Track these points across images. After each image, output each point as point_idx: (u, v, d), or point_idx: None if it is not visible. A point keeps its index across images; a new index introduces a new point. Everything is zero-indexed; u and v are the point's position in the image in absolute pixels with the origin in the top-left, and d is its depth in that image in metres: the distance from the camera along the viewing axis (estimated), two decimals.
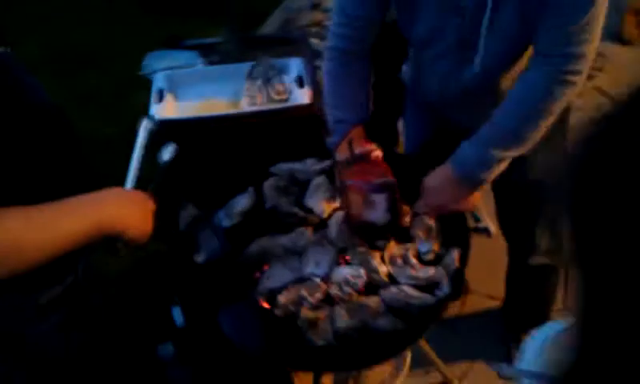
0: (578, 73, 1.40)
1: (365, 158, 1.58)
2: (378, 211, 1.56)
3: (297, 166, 1.83)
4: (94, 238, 1.13)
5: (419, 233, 1.68)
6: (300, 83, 2.19)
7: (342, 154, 1.62)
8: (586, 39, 1.35)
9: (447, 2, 1.45)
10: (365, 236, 1.62)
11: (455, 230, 1.64)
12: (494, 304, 2.32)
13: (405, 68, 1.87)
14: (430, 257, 1.62)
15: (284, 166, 1.83)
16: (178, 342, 1.62)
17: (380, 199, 1.54)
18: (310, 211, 1.74)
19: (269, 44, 2.35)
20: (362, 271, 1.58)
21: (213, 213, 1.74)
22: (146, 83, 2.22)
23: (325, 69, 1.66)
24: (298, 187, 1.80)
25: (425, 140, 1.86)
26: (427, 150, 1.81)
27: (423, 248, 1.63)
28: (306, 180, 1.81)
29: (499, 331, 2.24)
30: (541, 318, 2.16)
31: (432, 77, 1.66)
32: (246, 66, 2.24)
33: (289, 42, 2.36)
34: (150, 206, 1.29)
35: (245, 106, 2.15)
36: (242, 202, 1.75)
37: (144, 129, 1.53)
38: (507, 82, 1.59)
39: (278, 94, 2.16)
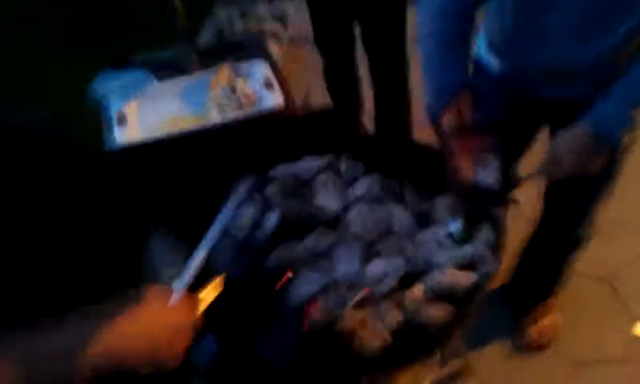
0: None
1: (471, 130, 1.47)
2: (489, 170, 1.47)
3: (296, 167, 1.70)
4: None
5: (443, 214, 1.60)
6: (268, 85, 2.06)
7: (450, 119, 1.47)
8: None
9: None
10: (476, 201, 1.52)
11: (482, 203, 1.56)
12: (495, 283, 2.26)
13: (480, 42, 1.72)
14: (462, 235, 1.53)
15: (283, 169, 1.70)
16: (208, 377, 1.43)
17: (490, 158, 1.46)
18: (321, 210, 1.62)
19: (225, 51, 2.20)
20: (400, 261, 1.48)
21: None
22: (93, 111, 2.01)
23: (428, 30, 1.49)
24: (303, 188, 1.67)
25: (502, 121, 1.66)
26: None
27: (453, 228, 1.54)
28: (309, 179, 1.68)
29: (505, 309, 2.19)
30: (551, 290, 2.13)
31: (541, 50, 1.52)
32: (205, 77, 2.09)
33: (244, 48, 2.22)
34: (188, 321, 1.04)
35: (214, 117, 1.99)
36: (249, 212, 1.59)
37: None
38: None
39: (248, 98, 2.02)
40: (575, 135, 1.46)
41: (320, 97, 2.70)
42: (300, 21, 2.86)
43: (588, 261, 2.29)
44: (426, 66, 1.51)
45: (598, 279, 2.33)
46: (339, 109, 2.51)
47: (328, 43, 2.45)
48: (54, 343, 0.83)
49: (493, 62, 1.69)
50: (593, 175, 1.51)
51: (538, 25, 1.48)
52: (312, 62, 2.53)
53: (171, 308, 1.01)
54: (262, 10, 3.14)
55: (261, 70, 2.12)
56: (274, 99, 2.02)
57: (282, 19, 3.12)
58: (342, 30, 2.39)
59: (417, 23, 1.51)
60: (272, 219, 1.56)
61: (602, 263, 2.37)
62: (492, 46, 1.68)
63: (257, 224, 1.57)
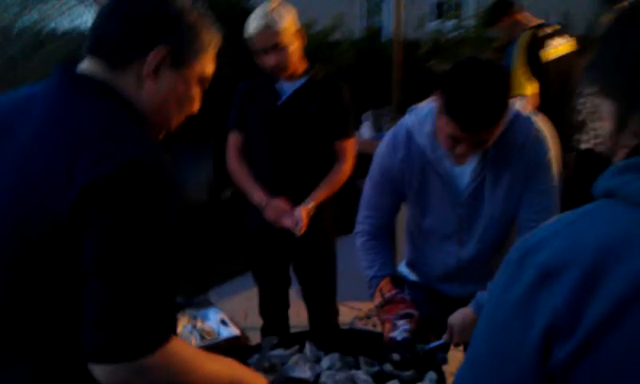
0: None
1: (393, 299, 2.08)
2: (398, 330, 2.00)
3: (269, 355, 2.07)
4: None
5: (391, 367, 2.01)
6: (224, 323, 2.46)
7: (377, 299, 2.12)
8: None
9: (451, 198, 2.07)
10: (394, 353, 2.01)
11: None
12: None
13: (402, 265, 2.43)
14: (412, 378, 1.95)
15: (256, 358, 2.05)
16: None
17: (401, 323, 2.01)
18: (298, 379, 1.96)
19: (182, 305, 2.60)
20: None
21: None
22: None
23: (358, 243, 2.26)
24: (277, 367, 2.01)
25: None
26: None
27: (404, 375, 1.95)
28: (281, 363, 2.04)
29: None
30: None
31: (436, 256, 2.22)
32: None
33: (198, 303, 2.65)
34: None
35: None
36: None
37: None
38: (496, 259, 2.07)
39: (208, 334, 2.40)
40: (463, 314, 2.08)
41: None
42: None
43: None
44: (360, 259, 2.25)
45: None
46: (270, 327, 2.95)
47: (265, 281, 2.97)
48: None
49: (410, 274, 2.35)
50: None
51: (433, 240, 2.21)
52: None
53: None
54: None
55: (215, 314, 2.53)
56: (230, 332, 2.42)
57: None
58: (277, 272, 2.96)
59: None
60: None
61: None
62: (408, 264, 2.39)
63: None
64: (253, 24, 2.73)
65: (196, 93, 1.45)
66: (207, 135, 4.40)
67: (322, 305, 2.97)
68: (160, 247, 1.25)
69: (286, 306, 3.03)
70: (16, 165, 1.26)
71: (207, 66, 1.43)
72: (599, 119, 1.03)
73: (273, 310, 3.00)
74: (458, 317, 2.06)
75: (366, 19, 11.90)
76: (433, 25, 9.67)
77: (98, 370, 1.20)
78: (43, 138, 1.26)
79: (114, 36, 1.35)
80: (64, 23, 8.00)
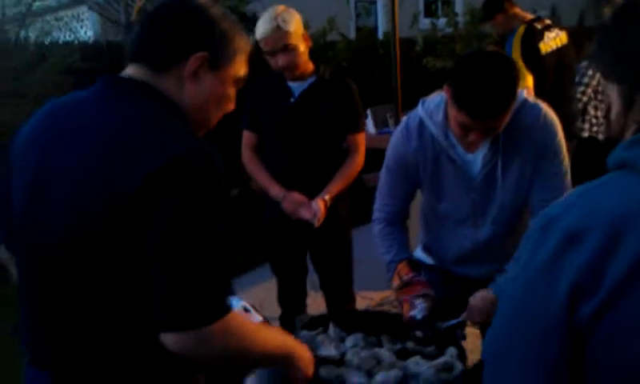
0: None
1: (411, 282, 2.18)
2: (416, 309, 2.10)
3: (297, 335, 2.16)
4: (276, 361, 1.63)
5: (413, 344, 2.12)
6: (246, 310, 2.56)
7: (395, 282, 2.22)
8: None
9: (464, 184, 2.17)
10: (413, 330, 2.13)
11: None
12: None
13: (418, 250, 2.51)
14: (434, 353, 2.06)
15: None
16: None
17: (418, 302, 2.11)
18: (325, 357, 2.06)
19: None
20: (397, 371, 1.94)
21: None
22: None
23: (375, 230, 2.36)
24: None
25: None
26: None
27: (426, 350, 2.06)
28: (310, 340, 2.14)
29: None
30: None
31: (452, 240, 2.30)
32: None
33: None
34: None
35: None
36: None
37: None
38: (511, 240, 2.18)
39: None
40: (483, 295, 2.15)
41: None
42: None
43: None
44: (378, 245, 2.34)
45: None
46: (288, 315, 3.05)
47: (283, 271, 3.09)
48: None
49: (426, 258, 2.46)
50: None
51: (448, 224, 2.31)
52: None
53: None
54: None
55: (238, 302, 2.62)
56: (254, 317, 2.52)
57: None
58: (295, 261, 3.10)
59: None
60: None
61: None
62: (424, 248, 2.48)
63: None
64: (262, 27, 2.84)
65: (232, 93, 1.57)
66: (211, 135, 4.49)
67: (339, 292, 3.08)
68: (217, 231, 1.36)
69: (304, 295, 3.15)
70: (72, 170, 1.38)
71: (240, 68, 1.56)
72: (610, 103, 1.10)
73: (291, 299, 3.12)
74: (477, 297, 2.16)
75: (356, 21, 12.06)
76: (425, 23, 9.80)
77: (167, 338, 1.33)
78: (95, 145, 1.37)
79: (155, 43, 1.47)
80: (62, 37, 8.08)
